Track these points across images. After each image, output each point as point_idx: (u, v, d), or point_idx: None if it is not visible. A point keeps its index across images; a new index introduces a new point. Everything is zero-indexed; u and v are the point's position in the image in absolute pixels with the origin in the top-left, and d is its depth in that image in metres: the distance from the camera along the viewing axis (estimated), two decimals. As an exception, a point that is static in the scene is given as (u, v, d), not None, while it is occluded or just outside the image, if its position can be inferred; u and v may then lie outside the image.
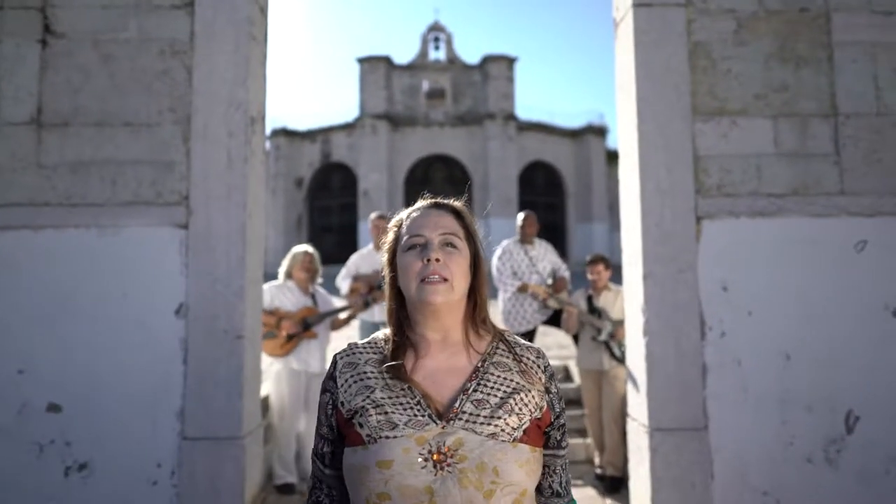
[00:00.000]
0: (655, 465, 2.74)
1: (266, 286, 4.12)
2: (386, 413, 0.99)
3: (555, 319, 4.89)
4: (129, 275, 2.78)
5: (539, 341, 5.66)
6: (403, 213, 1.13)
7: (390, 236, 1.12)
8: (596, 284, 4.34)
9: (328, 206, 28.40)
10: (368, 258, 4.88)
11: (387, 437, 0.96)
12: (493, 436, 0.97)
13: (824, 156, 2.88)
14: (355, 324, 4.92)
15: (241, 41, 2.90)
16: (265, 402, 4.06)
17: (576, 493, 3.52)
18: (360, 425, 0.99)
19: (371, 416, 0.99)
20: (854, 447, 2.73)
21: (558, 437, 1.09)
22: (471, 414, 0.99)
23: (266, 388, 4.30)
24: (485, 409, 1.00)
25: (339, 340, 5.61)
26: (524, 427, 1.00)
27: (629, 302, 3.08)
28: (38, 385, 2.71)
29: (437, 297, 1.02)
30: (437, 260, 1.03)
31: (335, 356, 1.11)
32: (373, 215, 5.06)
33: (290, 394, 3.94)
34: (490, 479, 0.94)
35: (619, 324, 4.06)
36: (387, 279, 1.12)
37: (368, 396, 1.02)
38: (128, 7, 2.90)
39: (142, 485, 2.70)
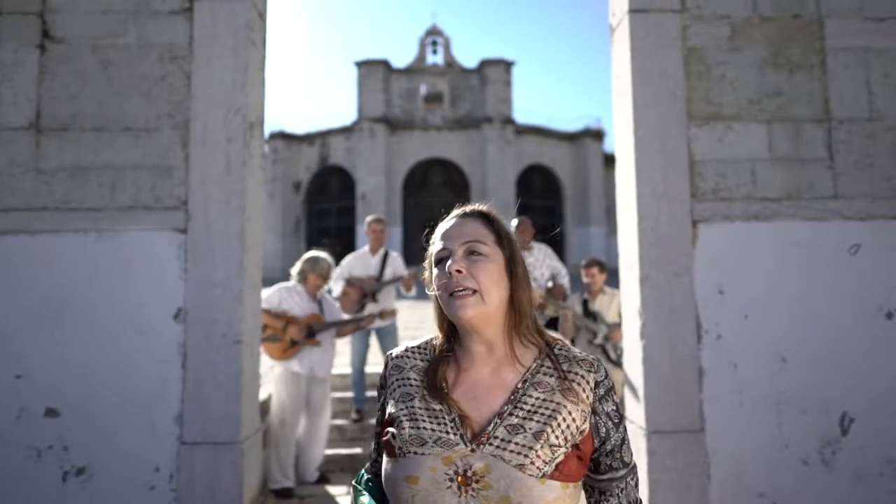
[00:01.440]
0: (652, 468, 2.75)
1: (276, 287, 4.12)
2: (418, 428, 0.97)
3: (554, 323, 4.91)
4: (127, 279, 2.79)
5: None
6: (440, 225, 1.10)
7: (430, 250, 1.09)
8: (591, 288, 4.36)
9: (326, 210, 28.35)
10: (362, 260, 4.89)
11: (414, 454, 0.95)
12: (520, 467, 0.92)
13: (818, 160, 2.90)
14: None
15: (240, 46, 2.92)
16: (265, 405, 4.06)
17: (573, 496, 3.50)
18: (394, 436, 0.99)
19: (404, 428, 0.98)
20: (849, 449, 2.74)
21: (610, 463, 1.02)
22: (502, 440, 0.95)
23: (267, 391, 4.30)
24: (517, 435, 0.95)
25: (343, 344, 5.60)
26: (557, 461, 0.94)
27: (626, 305, 3.10)
28: (36, 390, 2.71)
29: (467, 311, 0.98)
30: (459, 271, 0.99)
31: (387, 356, 1.11)
32: (369, 218, 5.07)
33: (291, 398, 3.94)
34: None
35: (615, 327, 4.08)
36: (433, 293, 1.07)
37: (406, 405, 1.01)
38: (127, 12, 2.91)
39: (140, 489, 2.70)
